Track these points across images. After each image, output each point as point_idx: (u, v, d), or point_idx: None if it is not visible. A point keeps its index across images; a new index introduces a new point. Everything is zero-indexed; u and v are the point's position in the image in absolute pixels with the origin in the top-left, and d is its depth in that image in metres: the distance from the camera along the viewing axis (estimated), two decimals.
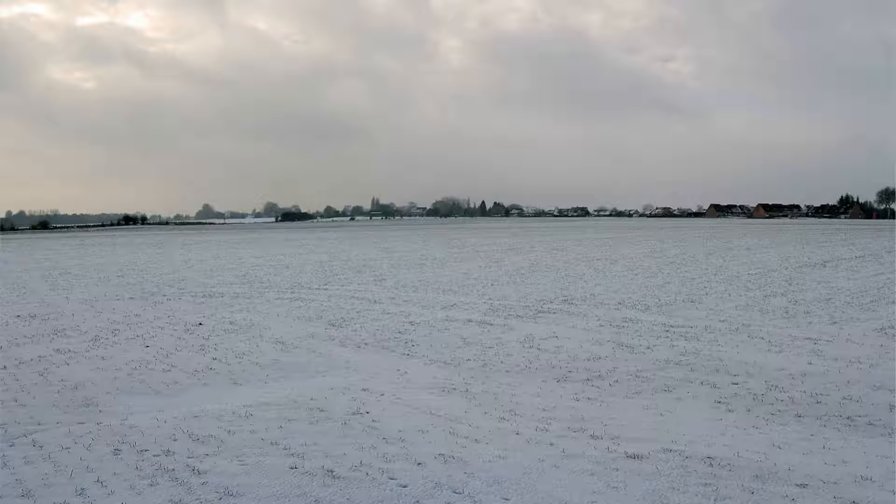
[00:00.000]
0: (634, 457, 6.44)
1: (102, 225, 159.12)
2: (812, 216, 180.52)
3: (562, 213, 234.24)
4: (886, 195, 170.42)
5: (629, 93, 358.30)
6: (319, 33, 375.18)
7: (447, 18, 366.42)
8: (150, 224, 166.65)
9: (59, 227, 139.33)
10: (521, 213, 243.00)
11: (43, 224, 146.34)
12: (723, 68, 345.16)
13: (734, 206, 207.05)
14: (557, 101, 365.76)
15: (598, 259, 31.89)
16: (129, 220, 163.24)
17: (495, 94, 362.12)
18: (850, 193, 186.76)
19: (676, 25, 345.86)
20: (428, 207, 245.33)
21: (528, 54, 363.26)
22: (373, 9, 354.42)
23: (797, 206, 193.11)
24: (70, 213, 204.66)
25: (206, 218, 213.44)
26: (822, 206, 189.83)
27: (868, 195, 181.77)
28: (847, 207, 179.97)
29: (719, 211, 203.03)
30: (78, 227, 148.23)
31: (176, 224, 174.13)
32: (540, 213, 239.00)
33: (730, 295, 18.29)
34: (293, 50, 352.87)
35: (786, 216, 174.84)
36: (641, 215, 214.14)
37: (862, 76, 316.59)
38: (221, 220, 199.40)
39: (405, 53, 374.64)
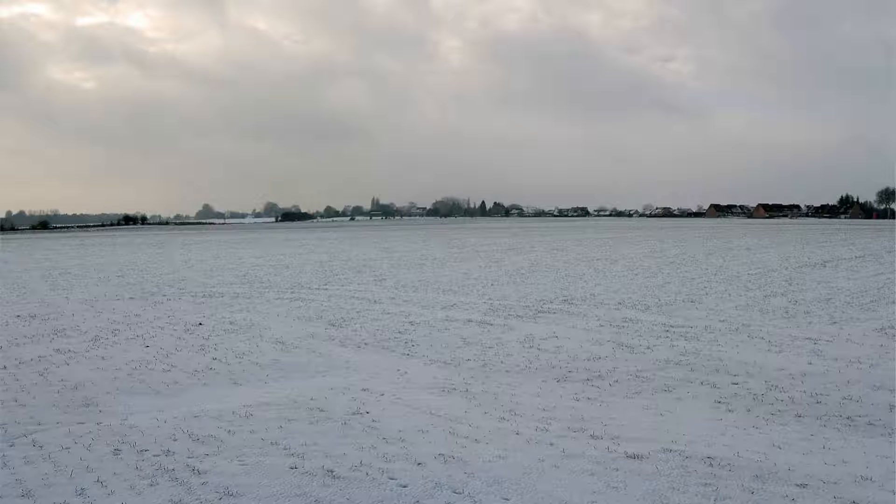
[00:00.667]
0: (634, 457, 6.44)
1: (102, 225, 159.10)
2: (812, 216, 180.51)
3: (562, 213, 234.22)
4: (886, 195, 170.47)
5: (629, 93, 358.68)
6: (319, 33, 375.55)
7: (447, 18, 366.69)
8: (150, 224, 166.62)
9: (59, 227, 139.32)
10: (521, 213, 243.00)
11: (43, 224, 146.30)
12: (723, 68, 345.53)
13: (734, 206, 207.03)
14: (557, 101, 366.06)
15: (598, 259, 31.89)
16: (129, 220, 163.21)
17: (495, 94, 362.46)
18: (850, 193, 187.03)
19: (676, 25, 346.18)
20: (428, 207, 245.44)
21: (528, 54, 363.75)
22: (373, 9, 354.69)
23: (797, 206, 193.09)
24: (70, 213, 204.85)
25: (206, 218, 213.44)
26: (822, 206, 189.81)
27: (868, 195, 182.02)
28: (847, 207, 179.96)
29: (719, 211, 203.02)
30: (78, 227, 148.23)
31: (176, 224, 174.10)
32: (540, 213, 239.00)
33: (730, 295, 18.29)
34: (293, 50, 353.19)
35: (786, 216, 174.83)
36: (641, 215, 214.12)
37: (862, 76, 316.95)
38: (221, 220, 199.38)
39: (405, 53, 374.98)
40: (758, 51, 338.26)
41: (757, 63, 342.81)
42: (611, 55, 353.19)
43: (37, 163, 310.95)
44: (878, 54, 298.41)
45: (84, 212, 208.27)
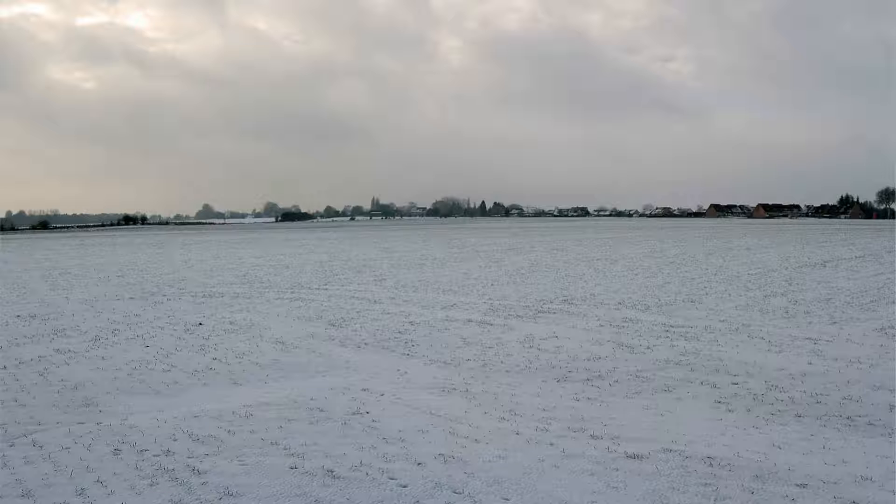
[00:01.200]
0: (634, 457, 6.44)
1: (102, 225, 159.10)
2: (812, 216, 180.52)
3: (562, 213, 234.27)
4: (886, 195, 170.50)
5: (629, 93, 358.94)
6: (319, 33, 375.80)
7: (447, 18, 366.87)
8: (150, 224, 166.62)
9: (59, 227, 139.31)
10: (521, 213, 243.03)
11: (43, 224, 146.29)
12: (723, 68, 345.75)
13: (734, 206, 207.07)
14: (557, 101, 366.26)
15: (598, 259, 31.89)
16: (129, 220, 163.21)
17: (495, 94, 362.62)
18: (850, 193, 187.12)
19: (676, 25, 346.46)
20: (428, 207, 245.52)
21: (528, 54, 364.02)
22: (373, 9, 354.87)
23: (797, 206, 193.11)
24: (70, 213, 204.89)
25: (206, 218, 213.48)
26: (822, 206, 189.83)
27: (868, 195, 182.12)
28: (847, 207, 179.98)
29: (719, 211, 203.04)
30: (78, 227, 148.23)
31: (176, 224, 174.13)
32: (540, 213, 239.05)
33: (730, 295, 18.29)
34: (293, 50, 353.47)
35: (786, 216, 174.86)
36: (641, 215, 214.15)
37: (862, 76, 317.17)
38: (221, 220, 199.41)
39: (405, 53, 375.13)
40: (758, 51, 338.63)
41: (757, 63, 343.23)
42: (611, 55, 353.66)
43: (37, 163, 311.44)
44: (878, 54, 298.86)
45: (84, 212, 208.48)
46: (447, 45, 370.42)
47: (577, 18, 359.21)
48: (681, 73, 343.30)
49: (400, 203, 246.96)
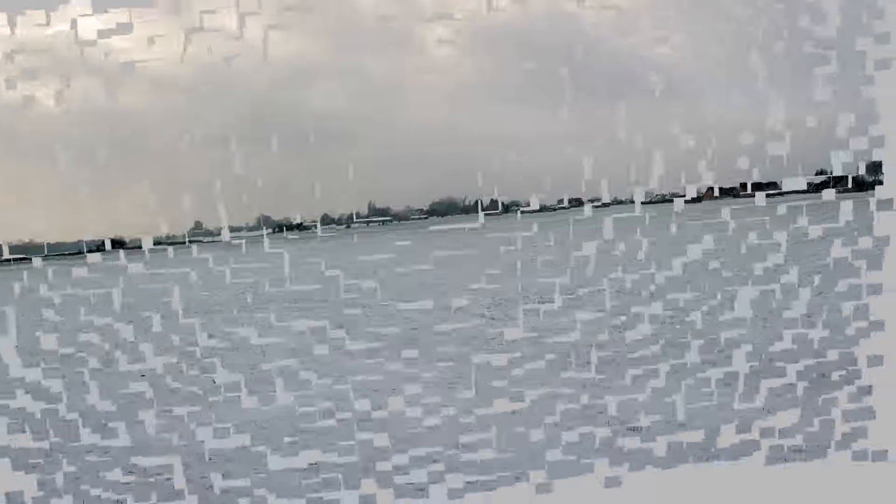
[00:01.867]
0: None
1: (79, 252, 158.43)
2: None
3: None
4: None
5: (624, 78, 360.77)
6: (301, 32, 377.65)
7: (435, 11, 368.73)
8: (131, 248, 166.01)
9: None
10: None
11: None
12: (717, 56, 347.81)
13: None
14: (553, 93, 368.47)
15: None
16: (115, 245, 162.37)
17: (488, 89, 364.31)
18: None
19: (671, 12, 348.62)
20: (425, 208, 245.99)
21: (520, 45, 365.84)
22: (357, 5, 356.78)
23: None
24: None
25: (197, 235, 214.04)
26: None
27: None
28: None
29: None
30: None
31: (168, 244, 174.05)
32: None
33: None
34: (273, 50, 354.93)
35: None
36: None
37: None
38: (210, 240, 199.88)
39: (392, 50, 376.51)
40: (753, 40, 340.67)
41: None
42: (606, 42, 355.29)
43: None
44: None
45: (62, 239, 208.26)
46: (435, 38, 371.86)
47: (570, 7, 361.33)
48: (674, 58, 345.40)
49: (396, 205, 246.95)
